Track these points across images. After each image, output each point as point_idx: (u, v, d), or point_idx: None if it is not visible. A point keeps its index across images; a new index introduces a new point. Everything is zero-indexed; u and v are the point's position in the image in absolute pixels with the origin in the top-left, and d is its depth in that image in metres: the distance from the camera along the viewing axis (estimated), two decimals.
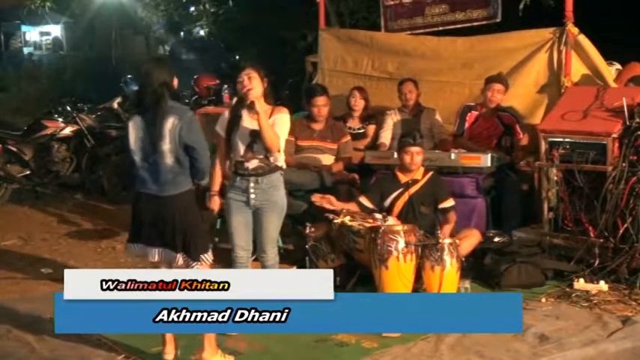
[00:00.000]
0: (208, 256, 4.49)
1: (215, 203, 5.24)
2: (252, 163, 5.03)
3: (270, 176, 5.06)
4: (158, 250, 4.46)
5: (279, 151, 5.06)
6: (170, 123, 4.32)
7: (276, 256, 5.23)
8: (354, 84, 7.91)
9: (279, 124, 5.06)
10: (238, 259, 5.14)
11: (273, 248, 5.18)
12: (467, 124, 7.06)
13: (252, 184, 5.02)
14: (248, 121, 5.04)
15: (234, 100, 5.35)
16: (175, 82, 4.49)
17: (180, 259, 4.42)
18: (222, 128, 5.13)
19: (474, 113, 7.05)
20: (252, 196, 5.03)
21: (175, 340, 4.56)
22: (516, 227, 6.37)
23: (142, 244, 4.50)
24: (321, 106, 7.01)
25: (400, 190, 6.04)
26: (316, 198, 6.02)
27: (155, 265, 4.53)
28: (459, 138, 7.11)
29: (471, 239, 5.89)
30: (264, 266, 5.23)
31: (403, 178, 6.06)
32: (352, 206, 6.00)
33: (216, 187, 5.23)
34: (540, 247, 6.09)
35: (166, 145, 4.33)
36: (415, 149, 5.97)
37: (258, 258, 5.32)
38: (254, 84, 5.00)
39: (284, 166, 5.17)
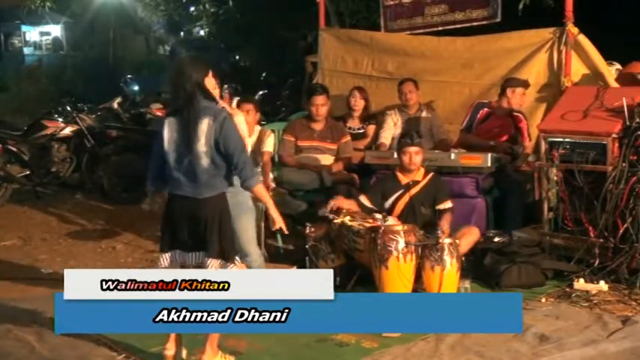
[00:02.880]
0: (239, 258, 4.51)
1: None
2: None
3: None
4: (195, 254, 4.40)
5: None
6: (205, 124, 4.27)
7: (261, 256, 5.22)
8: (354, 84, 7.91)
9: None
10: None
11: (254, 247, 5.20)
12: (475, 122, 7.04)
13: None
14: None
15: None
16: (209, 80, 4.42)
17: (215, 263, 4.35)
18: None
19: (486, 111, 7.04)
20: None
21: (179, 338, 4.52)
22: (516, 227, 6.36)
23: (179, 250, 4.42)
24: (320, 105, 7.02)
25: (401, 191, 6.04)
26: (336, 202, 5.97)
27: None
28: (466, 133, 7.08)
29: (469, 236, 5.90)
30: (250, 268, 5.23)
31: (404, 179, 6.07)
32: (352, 204, 6.00)
33: None
34: (540, 247, 6.08)
35: (201, 147, 4.27)
36: (413, 149, 5.97)
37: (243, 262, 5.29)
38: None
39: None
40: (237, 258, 4.48)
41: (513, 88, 6.90)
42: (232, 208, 4.99)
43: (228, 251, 4.41)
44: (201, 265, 4.40)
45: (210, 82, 4.47)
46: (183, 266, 4.44)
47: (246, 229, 5.16)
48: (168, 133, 4.34)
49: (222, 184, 4.41)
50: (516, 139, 6.94)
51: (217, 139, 4.28)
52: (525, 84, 6.96)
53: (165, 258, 4.45)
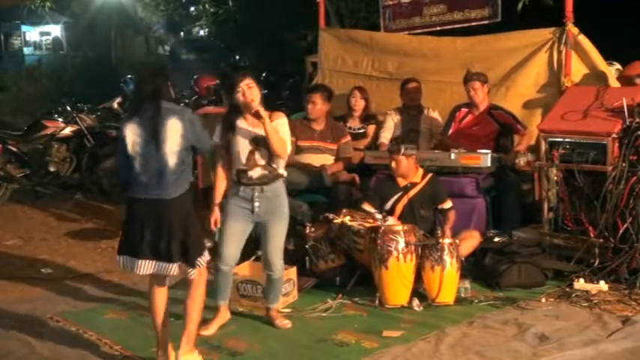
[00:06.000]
0: (203, 260, 4.46)
1: (215, 215, 5.02)
2: (256, 172, 4.97)
3: (275, 184, 5.01)
4: (150, 262, 4.35)
5: (284, 158, 5.04)
6: (172, 124, 4.30)
7: (282, 269, 5.19)
8: (354, 84, 7.90)
9: (281, 130, 5.03)
10: (224, 271, 5.09)
11: (280, 259, 5.13)
12: (455, 124, 7.05)
13: (256, 194, 4.97)
14: (247, 129, 5.00)
15: (227, 108, 5.29)
16: (169, 85, 4.45)
17: (175, 268, 4.35)
18: (219, 138, 5.06)
19: (463, 111, 7.04)
20: (257, 204, 4.97)
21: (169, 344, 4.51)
22: (516, 227, 6.36)
23: (129, 256, 4.38)
24: (314, 102, 7.00)
25: (399, 193, 6.05)
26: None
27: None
28: (443, 137, 7.09)
29: (470, 241, 5.91)
30: (270, 279, 5.17)
31: (402, 181, 6.08)
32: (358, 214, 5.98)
33: (219, 198, 5.06)
34: (540, 247, 6.08)
35: (171, 147, 4.29)
36: (397, 157, 5.99)
37: (265, 270, 5.22)
38: (254, 93, 4.97)
39: (285, 174, 5.12)
40: (200, 260, 4.41)
41: (467, 85, 6.87)
42: (269, 214, 5.00)
43: (193, 253, 4.37)
44: (161, 273, 4.38)
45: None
46: (131, 271, 4.41)
47: (278, 239, 5.06)
48: (130, 137, 4.32)
49: (187, 182, 4.42)
50: (508, 136, 6.93)
51: (188, 137, 4.33)
52: (472, 75, 6.89)
53: (122, 260, 4.43)
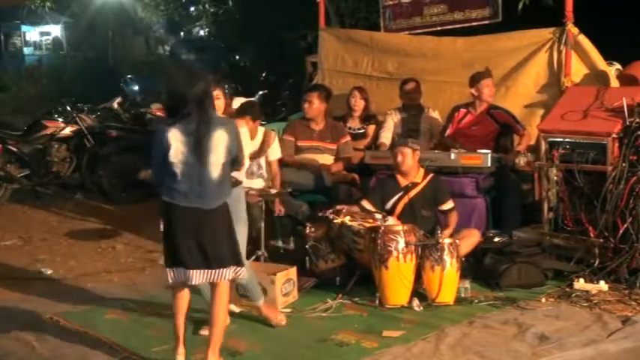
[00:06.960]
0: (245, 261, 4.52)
1: None
2: None
3: (232, 190, 5.01)
4: (202, 272, 4.28)
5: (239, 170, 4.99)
6: (218, 137, 4.20)
7: (248, 267, 5.16)
8: (354, 84, 7.91)
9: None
10: None
11: (244, 257, 5.13)
12: (453, 124, 7.05)
13: None
14: None
15: None
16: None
17: (229, 273, 4.30)
18: None
19: (462, 111, 7.04)
20: None
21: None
22: (516, 227, 6.36)
23: (183, 267, 4.28)
24: (310, 102, 7.01)
25: (400, 193, 6.05)
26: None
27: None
28: (443, 138, 7.10)
29: (470, 239, 5.91)
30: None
31: (403, 181, 6.07)
32: (355, 209, 5.99)
33: None
34: (540, 247, 6.08)
35: (215, 159, 4.20)
36: (404, 150, 5.97)
37: None
38: (218, 104, 4.94)
39: (244, 181, 5.19)
40: (244, 260, 4.47)
41: (481, 82, 6.86)
42: None
43: (240, 255, 4.42)
44: (212, 281, 4.34)
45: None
46: (184, 285, 4.37)
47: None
48: (174, 144, 4.17)
49: (227, 192, 4.38)
50: (508, 136, 6.93)
51: (232, 151, 4.27)
52: (489, 73, 6.90)
53: (174, 272, 4.33)
